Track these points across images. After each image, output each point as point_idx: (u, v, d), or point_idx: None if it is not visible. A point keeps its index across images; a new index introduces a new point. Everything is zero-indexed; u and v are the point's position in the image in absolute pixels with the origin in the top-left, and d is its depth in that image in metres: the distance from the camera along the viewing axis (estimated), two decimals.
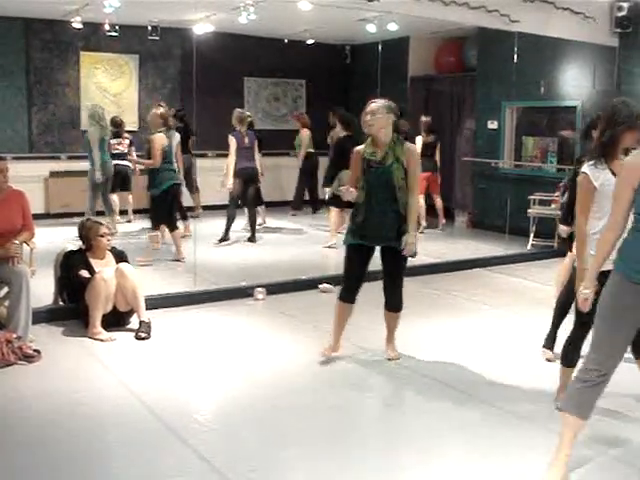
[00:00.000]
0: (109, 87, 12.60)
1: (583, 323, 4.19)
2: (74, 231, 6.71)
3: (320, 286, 7.71)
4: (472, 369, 5.47)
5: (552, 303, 5.90)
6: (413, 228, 5.31)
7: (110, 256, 6.40)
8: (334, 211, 9.83)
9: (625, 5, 9.48)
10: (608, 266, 3.62)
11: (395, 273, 5.54)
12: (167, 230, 9.01)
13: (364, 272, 5.54)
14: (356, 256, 5.47)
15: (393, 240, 5.32)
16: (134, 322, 6.19)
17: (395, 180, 5.25)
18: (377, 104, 5.32)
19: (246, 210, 10.33)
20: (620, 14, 9.54)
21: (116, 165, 10.57)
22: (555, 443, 3.68)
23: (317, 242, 10.26)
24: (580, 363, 3.80)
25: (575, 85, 10.63)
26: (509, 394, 4.95)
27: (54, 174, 11.98)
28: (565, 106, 10.82)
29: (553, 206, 10.12)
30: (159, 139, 8.57)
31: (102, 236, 6.33)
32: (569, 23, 9.13)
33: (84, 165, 10.43)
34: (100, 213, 9.92)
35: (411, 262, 7.95)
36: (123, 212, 11.34)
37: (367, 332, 6.17)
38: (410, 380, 5.24)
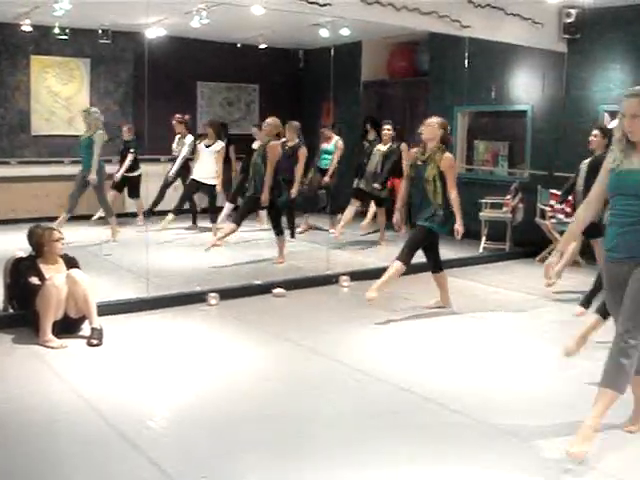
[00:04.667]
0: (60, 91, 12.40)
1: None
2: (22, 237, 6.57)
3: (274, 291, 7.71)
4: (428, 373, 5.49)
5: (505, 306, 5.93)
6: (458, 217, 6.84)
7: (61, 262, 6.32)
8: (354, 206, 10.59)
9: (573, 12, 9.67)
10: None
11: (429, 246, 7.11)
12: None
13: None
14: None
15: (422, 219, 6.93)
16: (86, 329, 6.12)
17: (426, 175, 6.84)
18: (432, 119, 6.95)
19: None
20: (568, 20, 9.73)
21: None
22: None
23: (271, 246, 10.23)
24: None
25: (525, 90, 10.81)
26: (468, 398, 4.94)
27: (3, 179, 11.74)
28: (516, 110, 10.98)
29: (504, 209, 10.26)
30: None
31: (57, 241, 6.26)
32: (519, 29, 9.28)
33: (35, 170, 10.24)
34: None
35: (363, 266, 7.98)
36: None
37: (321, 338, 6.20)
38: (366, 385, 5.22)
